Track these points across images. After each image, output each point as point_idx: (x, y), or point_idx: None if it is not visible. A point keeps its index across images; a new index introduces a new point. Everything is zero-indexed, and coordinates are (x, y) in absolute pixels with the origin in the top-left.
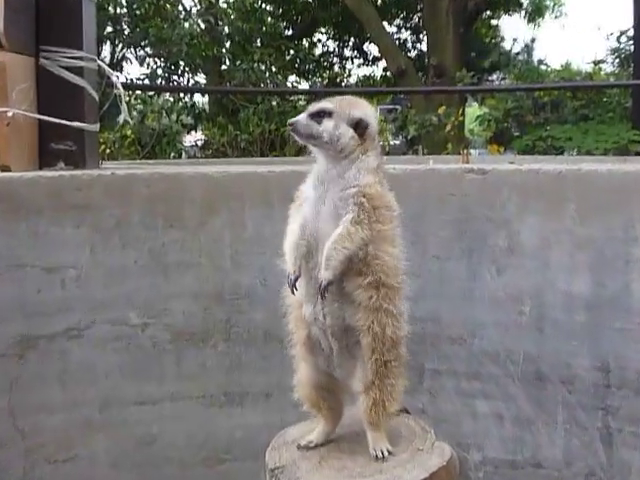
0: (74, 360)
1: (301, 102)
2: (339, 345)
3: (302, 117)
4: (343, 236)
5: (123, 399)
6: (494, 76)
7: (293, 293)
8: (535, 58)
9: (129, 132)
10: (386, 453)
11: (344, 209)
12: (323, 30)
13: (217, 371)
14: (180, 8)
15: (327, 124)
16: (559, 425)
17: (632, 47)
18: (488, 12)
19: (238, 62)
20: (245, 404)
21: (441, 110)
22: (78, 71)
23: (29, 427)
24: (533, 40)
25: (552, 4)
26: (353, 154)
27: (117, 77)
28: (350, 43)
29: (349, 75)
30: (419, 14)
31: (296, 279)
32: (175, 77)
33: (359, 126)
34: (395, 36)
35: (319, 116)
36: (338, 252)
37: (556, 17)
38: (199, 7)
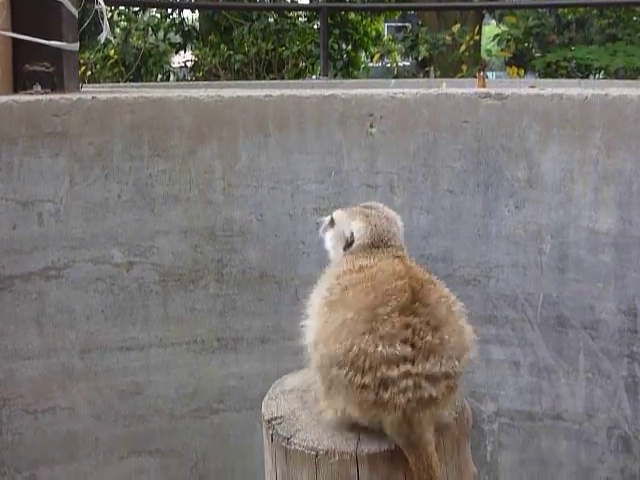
0: (52, 302)
1: (301, 19)
2: None
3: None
4: None
5: (106, 345)
6: None
7: None
8: None
9: (112, 52)
10: None
11: None
12: None
13: (209, 315)
14: None
15: (328, 234)
16: (580, 374)
17: None
18: None
19: None
20: (239, 350)
21: (455, 28)
22: None
23: (4, 375)
24: None
25: None
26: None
27: None
28: None
29: None
30: None
31: None
32: None
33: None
34: None
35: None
36: None
37: None
38: None
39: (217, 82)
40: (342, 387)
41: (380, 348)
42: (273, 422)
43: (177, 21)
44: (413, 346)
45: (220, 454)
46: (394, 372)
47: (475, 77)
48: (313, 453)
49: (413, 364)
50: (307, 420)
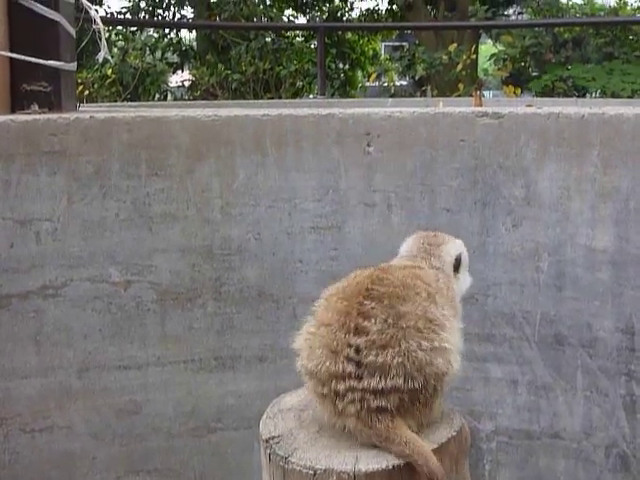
0: (50, 321)
1: (298, 38)
2: None
3: None
4: None
5: (103, 363)
6: (510, 10)
7: None
8: None
9: (109, 71)
10: None
11: None
12: None
13: (206, 333)
14: None
15: None
16: (578, 392)
17: None
18: None
19: None
20: (237, 369)
21: (452, 48)
22: (53, 4)
23: (1, 394)
24: None
25: None
26: None
27: (96, 11)
28: None
29: (351, 9)
30: None
31: None
32: (159, 11)
33: None
34: None
35: None
36: None
37: None
38: None
39: (215, 101)
40: (313, 395)
41: (329, 364)
42: (271, 441)
43: (174, 41)
44: (359, 364)
45: (218, 473)
46: (341, 386)
47: (472, 96)
48: (311, 472)
49: (359, 380)
50: (305, 439)
